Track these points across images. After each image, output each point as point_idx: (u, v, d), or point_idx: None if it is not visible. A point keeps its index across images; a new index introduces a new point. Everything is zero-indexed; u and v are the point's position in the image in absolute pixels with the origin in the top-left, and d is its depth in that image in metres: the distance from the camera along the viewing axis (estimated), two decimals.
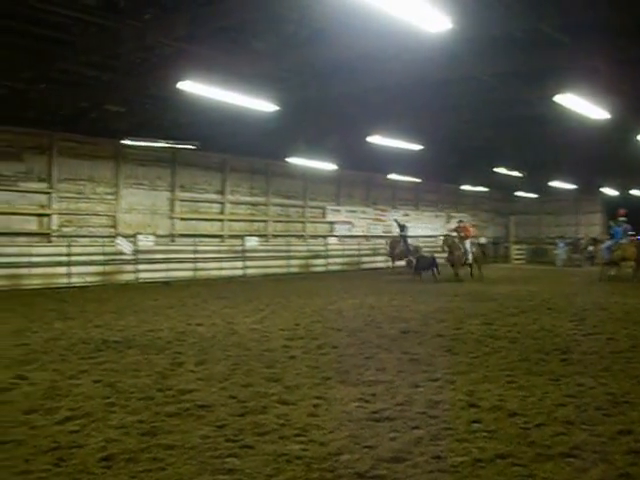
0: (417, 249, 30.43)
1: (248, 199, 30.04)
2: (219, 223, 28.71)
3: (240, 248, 28.03)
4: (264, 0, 11.67)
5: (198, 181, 27.85)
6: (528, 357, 10.25)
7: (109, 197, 24.83)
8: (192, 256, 26.11)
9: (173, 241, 26.53)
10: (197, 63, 14.28)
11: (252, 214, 30.28)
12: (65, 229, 23.40)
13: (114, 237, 24.08)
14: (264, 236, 30.15)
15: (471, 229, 28.58)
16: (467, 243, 26.65)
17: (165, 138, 22.56)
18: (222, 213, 28.81)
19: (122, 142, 23.02)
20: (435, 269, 26.45)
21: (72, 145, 23.58)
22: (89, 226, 24.18)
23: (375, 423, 6.74)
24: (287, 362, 9.87)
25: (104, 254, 23.31)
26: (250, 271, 28.10)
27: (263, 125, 19.98)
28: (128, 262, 24.02)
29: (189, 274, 25.74)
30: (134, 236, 24.29)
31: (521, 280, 27.34)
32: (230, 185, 29.00)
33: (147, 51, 15.11)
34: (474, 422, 6.76)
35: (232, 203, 29.21)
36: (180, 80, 13.56)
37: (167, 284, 23.62)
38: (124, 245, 23.61)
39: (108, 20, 12.92)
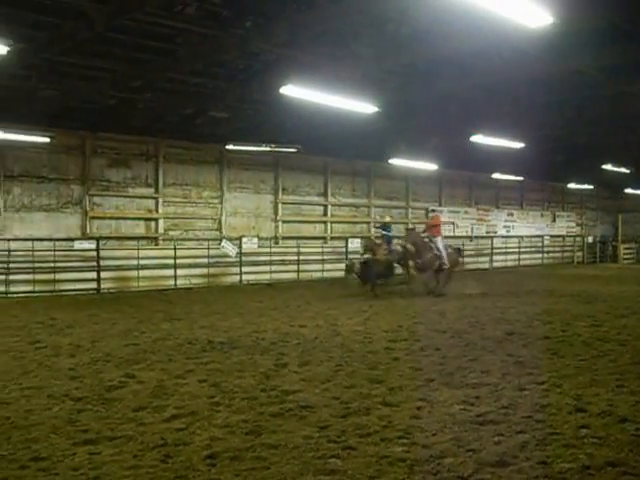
0: (404, 253, 21.79)
1: (350, 201, 30.10)
2: (322, 225, 28.89)
3: (343, 250, 28.11)
4: (364, 3, 11.67)
5: (301, 184, 28.09)
6: (639, 361, 9.94)
7: (214, 201, 25.34)
8: (295, 258, 26.35)
9: (277, 243, 26.83)
10: (298, 68, 14.43)
11: (354, 216, 30.33)
12: (171, 232, 24.02)
13: (219, 240, 24.52)
14: (366, 238, 30.12)
15: (438, 223, 21.54)
16: (439, 242, 20.64)
17: (268, 142, 22.83)
18: (325, 215, 28.97)
19: (226, 147, 23.44)
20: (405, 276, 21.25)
21: (178, 151, 24.23)
22: (194, 229, 24.74)
23: (479, 426, 6.67)
24: (390, 364, 9.88)
25: (209, 257, 23.78)
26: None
27: (364, 127, 19.99)
28: (232, 264, 24.42)
29: (292, 276, 26.00)
30: (238, 239, 24.67)
31: (631, 280, 26.42)
32: (332, 187, 29.13)
33: (250, 58, 15.37)
34: (582, 427, 6.60)
35: (334, 205, 29.34)
36: (282, 85, 13.71)
37: (271, 286, 23.90)
38: (229, 248, 24.01)
39: (210, 29, 13.22)
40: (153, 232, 23.65)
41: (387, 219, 25.92)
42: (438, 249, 20.35)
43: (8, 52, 10.82)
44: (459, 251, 23.26)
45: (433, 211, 23.97)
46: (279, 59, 15.14)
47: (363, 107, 16.02)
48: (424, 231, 21.67)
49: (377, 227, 25.31)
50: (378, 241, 21.87)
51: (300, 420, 6.97)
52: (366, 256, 21.50)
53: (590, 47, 13.71)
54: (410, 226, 23.83)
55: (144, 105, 19.83)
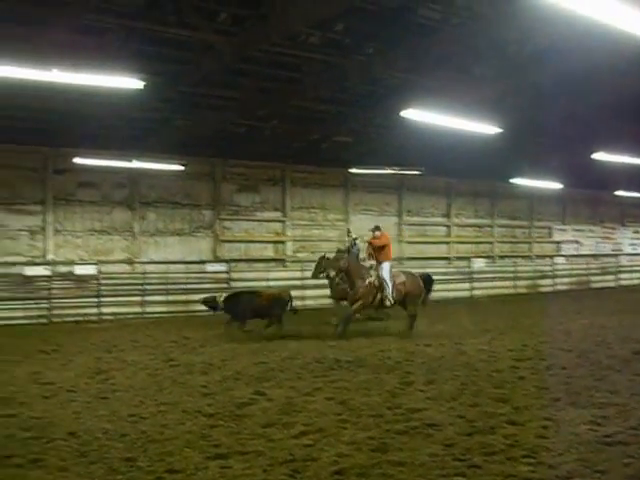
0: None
1: (473, 221, 29.92)
2: (445, 246, 28.83)
3: (467, 270, 27.94)
4: (485, 26, 11.78)
5: (424, 205, 28.16)
6: None
7: (339, 223, 25.75)
8: None
9: (401, 264, 26.90)
10: (420, 91, 14.61)
11: (477, 236, 30.10)
12: (299, 254, 24.54)
13: None
14: (490, 257, 29.87)
15: (387, 244, 16.46)
16: (385, 269, 15.82)
17: (391, 165, 23.06)
18: (448, 236, 28.91)
19: (350, 171, 23.82)
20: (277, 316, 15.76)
21: (303, 175, 24.83)
22: (321, 251, 25.10)
23: (606, 447, 6.61)
24: (515, 383, 9.86)
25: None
26: (477, 292, 27.96)
27: (486, 147, 19.90)
28: None
29: None
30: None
31: None
32: (455, 208, 29.07)
33: (372, 83, 15.69)
34: None
35: (458, 226, 29.25)
36: (404, 109, 13.92)
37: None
38: None
39: (333, 57, 13.66)
40: (281, 254, 24.26)
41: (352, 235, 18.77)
42: (382, 279, 15.69)
43: (144, 86, 11.44)
44: (427, 280, 17.46)
45: (378, 228, 16.63)
46: (401, 83, 15.39)
47: (485, 128, 16.00)
48: (369, 255, 16.58)
49: (350, 241, 18.20)
50: (342, 261, 15.96)
51: (426, 438, 7.08)
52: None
53: None
54: (342, 247, 17.75)
55: (271, 132, 20.49)
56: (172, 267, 21.68)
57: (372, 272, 15.81)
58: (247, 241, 23.53)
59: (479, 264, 28.20)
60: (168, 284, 21.23)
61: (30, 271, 19.34)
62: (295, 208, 24.75)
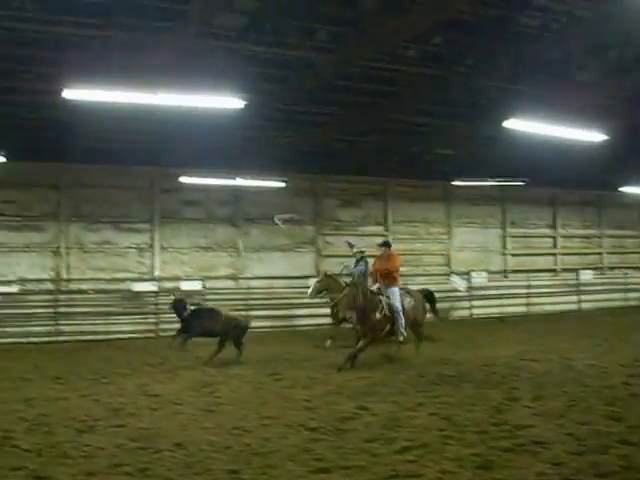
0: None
1: (580, 232, 29.09)
2: (551, 257, 28.15)
3: (574, 282, 27.21)
4: (585, 31, 11.52)
5: (528, 216, 27.60)
6: None
7: (442, 236, 25.56)
8: (525, 291, 25.85)
9: (506, 277, 26.50)
10: (522, 101, 14.35)
11: (585, 247, 29.25)
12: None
13: (448, 275, 24.66)
14: (599, 269, 28.97)
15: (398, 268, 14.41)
16: (396, 296, 13.75)
17: (494, 176, 22.74)
18: (554, 247, 28.24)
19: (452, 183, 23.62)
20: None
21: (405, 189, 24.75)
22: (424, 265, 25.03)
23: None
24: (628, 400, 9.54)
25: (438, 291, 23.90)
26: (585, 305, 27.13)
27: (592, 156, 19.35)
28: (462, 299, 24.42)
29: (522, 309, 25.47)
30: (467, 273, 24.68)
31: None
32: (561, 218, 28.37)
33: (472, 94, 15.50)
34: None
35: (564, 237, 28.52)
36: (506, 119, 13.71)
37: (501, 320, 23.63)
38: (458, 282, 24.05)
39: (432, 69, 13.57)
40: None
41: (357, 248, 16.82)
42: (394, 309, 13.57)
43: (245, 105, 11.65)
44: (427, 297, 15.87)
45: (387, 244, 14.92)
46: (502, 93, 15.16)
47: (589, 136, 15.58)
48: (374, 279, 14.37)
49: (357, 256, 16.48)
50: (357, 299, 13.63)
51: (533, 456, 6.93)
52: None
53: None
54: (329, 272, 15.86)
55: (371, 147, 20.55)
56: (275, 282, 21.94)
57: (382, 299, 13.57)
58: (349, 256, 23.52)
59: (587, 276, 27.39)
60: (272, 299, 21.47)
61: (138, 287, 19.95)
62: (397, 222, 24.68)
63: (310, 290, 14.63)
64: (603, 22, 11.11)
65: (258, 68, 13.62)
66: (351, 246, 16.74)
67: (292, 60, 12.96)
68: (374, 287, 13.98)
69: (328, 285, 14.70)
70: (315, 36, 12.65)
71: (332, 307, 16.79)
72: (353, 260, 16.53)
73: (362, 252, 16.43)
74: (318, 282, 14.71)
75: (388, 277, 13.89)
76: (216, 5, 9.89)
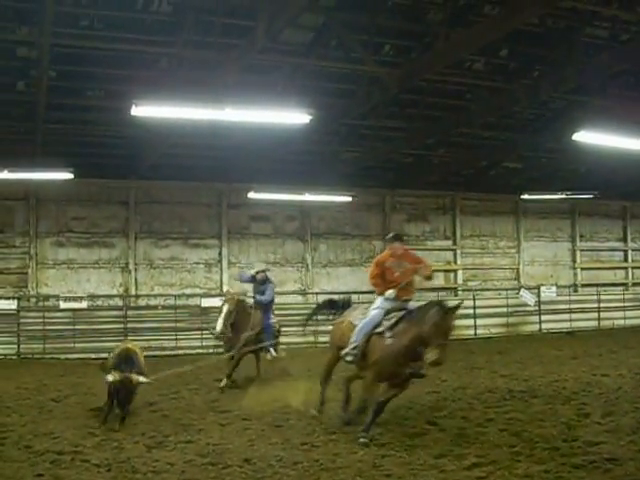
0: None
1: None
2: (622, 271, 27.53)
3: None
4: None
5: (598, 230, 27.01)
6: None
7: (511, 250, 25.23)
8: (595, 305, 25.33)
9: (576, 291, 26.02)
10: (590, 112, 14.21)
11: None
12: (470, 283, 24.24)
13: (517, 289, 24.34)
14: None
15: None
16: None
17: (563, 190, 22.37)
18: (625, 261, 27.60)
19: (521, 197, 23.34)
20: None
21: (473, 203, 24.53)
22: (492, 279, 24.77)
23: None
24: None
25: (508, 306, 23.67)
26: None
27: None
28: (531, 313, 24.06)
29: (592, 324, 24.93)
30: (537, 287, 24.32)
31: None
32: (632, 232, 27.71)
33: (540, 106, 15.41)
34: None
35: (635, 250, 27.88)
36: (575, 131, 13.53)
37: (571, 334, 23.23)
38: (527, 297, 23.71)
39: (498, 82, 13.52)
40: (452, 283, 24.04)
41: (261, 266, 14.65)
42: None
43: (310, 120, 11.73)
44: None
45: (398, 238, 10.30)
46: (570, 105, 15.02)
47: None
48: (398, 295, 9.48)
49: (259, 277, 13.75)
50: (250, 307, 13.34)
51: (604, 473, 6.82)
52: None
53: None
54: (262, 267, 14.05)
55: (439, 160, 20.51)
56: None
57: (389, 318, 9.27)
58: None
59: None
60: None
61: (206, 302, 20.07)
62: (465, 236, 24.48)
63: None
64: None
65: (324, 83, 13.78)
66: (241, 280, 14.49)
67: (358, 74, 13.06)
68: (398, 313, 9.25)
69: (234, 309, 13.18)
70: (381, 50, 12.75)
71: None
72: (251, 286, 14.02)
73: (264, 271, 13.84)
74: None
75: (403, 289, 9.54)
76: (282, 21, 10.01)
